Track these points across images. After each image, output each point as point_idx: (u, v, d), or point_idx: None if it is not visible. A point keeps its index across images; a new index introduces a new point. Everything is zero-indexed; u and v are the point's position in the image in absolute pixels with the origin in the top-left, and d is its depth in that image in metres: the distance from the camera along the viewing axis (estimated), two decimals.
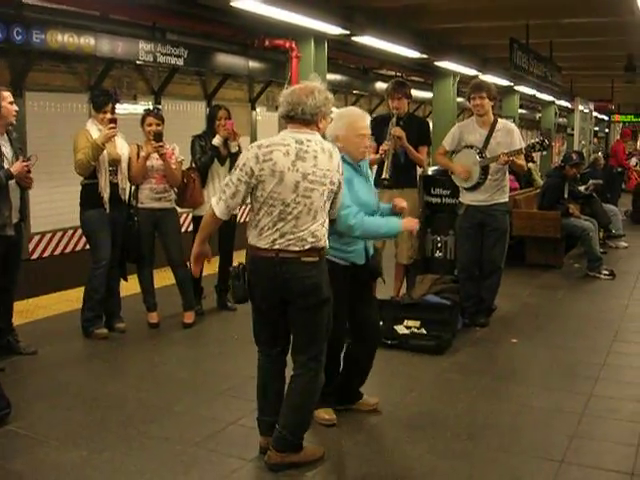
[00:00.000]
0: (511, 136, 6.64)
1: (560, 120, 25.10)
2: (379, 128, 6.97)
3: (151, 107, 6.83)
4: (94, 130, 6.10)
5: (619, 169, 14.92)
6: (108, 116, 6.11)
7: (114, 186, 6.23)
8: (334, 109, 4.14)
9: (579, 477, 3.94)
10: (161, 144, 6.38)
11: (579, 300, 8.05)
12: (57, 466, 3.99)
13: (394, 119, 6.79)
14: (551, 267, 9.63)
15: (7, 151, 5.43)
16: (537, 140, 6.85)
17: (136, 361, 5.83)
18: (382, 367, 5.57)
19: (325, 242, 3.87)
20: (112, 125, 6.01)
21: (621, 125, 27.64)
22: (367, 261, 4.48)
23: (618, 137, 18.41)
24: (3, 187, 5.24)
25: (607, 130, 30.22)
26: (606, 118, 25.91)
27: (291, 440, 3.95)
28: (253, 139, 14.62)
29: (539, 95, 18.37)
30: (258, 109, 14.90)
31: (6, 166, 5.30)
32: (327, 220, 3.91)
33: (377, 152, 6.85)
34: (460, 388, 5.20)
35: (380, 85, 14.99)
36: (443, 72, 13.22)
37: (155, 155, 6.40)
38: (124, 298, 6.74)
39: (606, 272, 9.18)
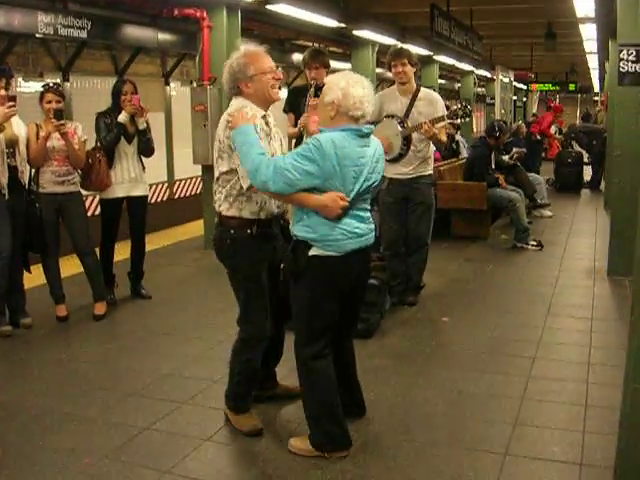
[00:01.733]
0: (434, 105, 6.35)
1: (479, 90, 25.10)
2: (296, 100, 6.65)
3: (50, 83, 6.28)
4: None
5: (538, 137, 14.90)
6: (2, 92, 5.56)
7: (12, 170, 5.71)
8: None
9: (526, 471, 3.66)
10: (62, 122, 5.87)
11: (509, 273, 7.86)
12: None
13: (312, 90, 6.41)
14: (477, 239, 9.46)
15: None
16: (459, 107, 6.56)
17: (41, 361, 5.31)
18: None
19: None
20: (12, 103, 5.48)
21: (538, 93, 27.90)
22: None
23: (546, 109, 18.48)
24: None
25: (525, 99, 30.46)
26: (524, 87, 26.02)
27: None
28: (167, 115, 14.05)
29: (458, 65, 18.23)
30: (172, 84, 14.31)
31: None
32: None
33: (295, 125, 6.52)
34: (391, 374, 4.89)
35: (297, 56, 14.54)
36: (361, 42, 12.82)
37: (56, 135, 5.89)
38: (28, 290, 6.23)
39: (534, 243, 9.04)
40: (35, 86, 10.13)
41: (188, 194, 14.52)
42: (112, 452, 3.84)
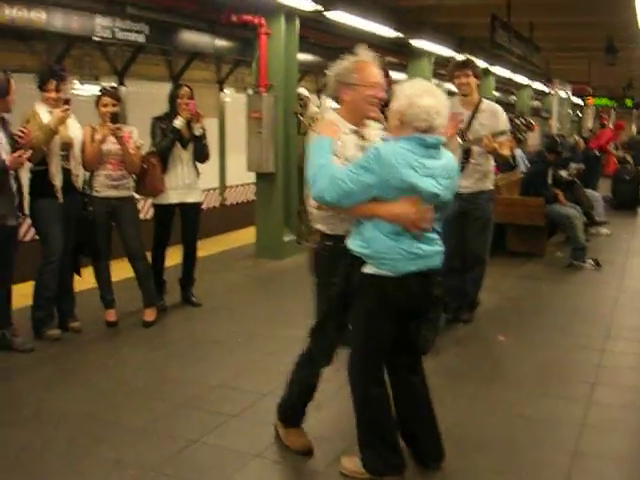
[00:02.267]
0: (496, 118, 6.15)
1: (534, 103, 24.72)
2: None
3: (107, 86, 6.26)
4: (43, 111, 5.52)
5: (597, 153, 14.57)
6: (53, 95, 5.54)
7: (66, 173, 5.67)
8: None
9: None
10: (118, 126, 5.84)
11: (565, 292, 7.62)
12: None
13: None
14: (533, 256, 9.21)
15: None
16: (521, 121, 6.37)
17: (88, 366, 5.26)
18: None
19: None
20: (66, 107, 5.47)
21: (594, 108, 27.37)
22: None
23: (610, 126, 18.04)
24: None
25: (579, 114, 29.90)
26: (581, 101, 25.56)
27: None
28: (221, 122, 14.07)
29: (514, 77, 17.98)
30: (226, 90, 14.33)
31: (4, 155, 5.08)
32: None
33: None
34: (446, 394, 4.68)
35: None
36: (418, 52, 12.68)
37: (112, 139, 5.85)
38: (79, 294, 6.18)
39: (591, 261, 8.76)
40: (91, 89, 10.18)
41: (240, 201, 14.52)
42: (159, 465, 3.74)
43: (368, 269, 3.46)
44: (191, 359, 5.39)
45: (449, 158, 3.55)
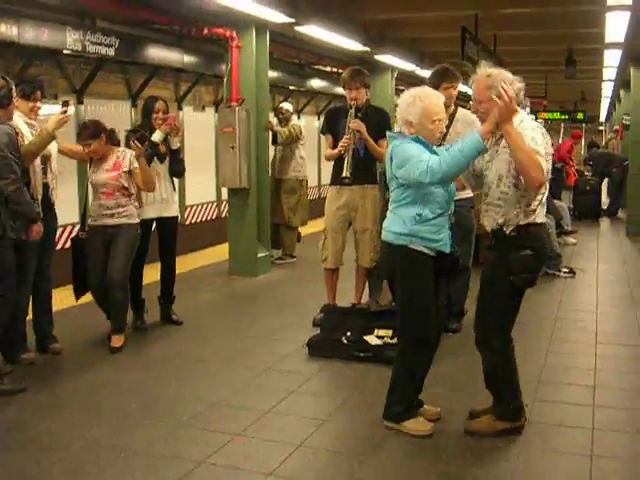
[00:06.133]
0: (472, 126, 6.10)
1: None
2: (335, 121, 6.51)
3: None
4: (20, 123, 5.31)
5: (559, 165, 14.74)
6: (38, 104, 5.38)
7: (44, 187, 5.46)
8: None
9: None
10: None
11: (545, 301, 7.58)
12: None
13: (352, 110, 6.24)
14: None
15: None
16: None
17: (79, 390, 4.99)
18: (359, 383, 5.03)
19: None
20: (65, 109, 5.29)
21: (543, 121, 27.73)
22: (452, 248, 4.20)
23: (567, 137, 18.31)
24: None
25: None
26: (534, 116, 25.90)
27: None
28: (181, 139, 13.83)
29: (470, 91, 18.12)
30: (185, 108, 14.13)
31: None
32: None
33: (334, 147, 6.34)
34: (448, 407, 4.59)
35: (316, 82, 14.41)
36: (381, 67, 12.69)
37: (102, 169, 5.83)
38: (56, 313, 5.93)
39: (565, 270, 8.81)
40: (50, 108, 9.93)
41: (200, 220, 14.27)
42: None
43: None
44: (182, 379, 5.20)
45: None
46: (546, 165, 3.84)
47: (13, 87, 5.02)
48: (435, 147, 4.11)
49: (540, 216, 4.06)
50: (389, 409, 4.26)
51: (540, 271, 4.17)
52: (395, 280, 4.26)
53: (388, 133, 4.45)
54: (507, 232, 4.00)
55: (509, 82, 3.90)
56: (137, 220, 5.95)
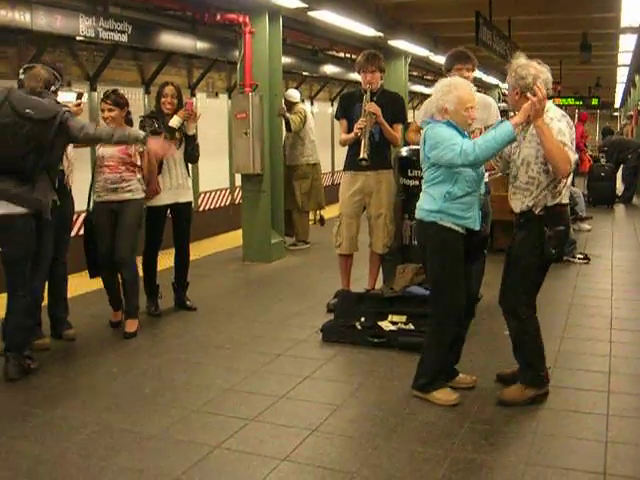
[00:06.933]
0: (488, 111, 6.06)
1: (501, 105, 24.83)
2: (349, 105, 6.50)
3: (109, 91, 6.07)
4: None
5: None
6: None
7: (60, 174, 5.46)
8: None
9: None
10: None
11: (560, 287, 7.54)
12: None
13: (367, 94, 6.22)
14: None
15: None
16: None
17: (93, 374, 5.03)
18: (373, 369, 5.03)
19: None
20: (80, 101, 5.35)
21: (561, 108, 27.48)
22: (481, 227, 4.50)
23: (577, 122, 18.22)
24: None
25: None
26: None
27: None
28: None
29: (485, 78, 18.05)
30: (198, 95, 14.13)
31: None
32: None
33: (348, 132, 6.32)
34: (460, 392, 4.59)
35: (329, 68, 14.35)
36: (395, 52, 12.63)
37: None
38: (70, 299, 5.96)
39: (580, 256, 8.76)
40: (64, 95, 9.94)
41: (213, 207, 14.29)
42: (184, 473, 3.56)
43: None
44: (196, 364, 5.22)
45: None
46: (573, 156, 4.13)
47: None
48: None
49: (565, 197, 4.35)
50: (417, 380, 4.49)
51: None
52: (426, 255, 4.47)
53: (423, 119, 4.77)
54: (536, 212, 4.27)
55: (540, 73, 4.26)
56: (142, 195, 5.96)
